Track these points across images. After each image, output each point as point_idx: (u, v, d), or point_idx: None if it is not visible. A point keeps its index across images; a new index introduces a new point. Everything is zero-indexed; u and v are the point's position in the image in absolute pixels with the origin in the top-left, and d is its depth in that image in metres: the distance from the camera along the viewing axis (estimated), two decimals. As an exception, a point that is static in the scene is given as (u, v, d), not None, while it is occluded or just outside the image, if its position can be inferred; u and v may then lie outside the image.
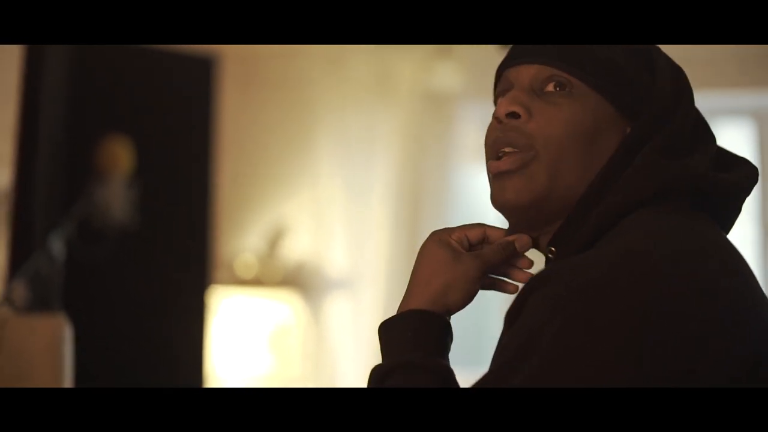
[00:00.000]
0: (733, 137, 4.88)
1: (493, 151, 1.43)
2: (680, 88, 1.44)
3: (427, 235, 1.46)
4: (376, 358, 4.82)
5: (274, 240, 5.18)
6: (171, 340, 4.14)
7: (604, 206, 1.36)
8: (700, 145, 1.42)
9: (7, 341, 2.62)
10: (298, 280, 5.15)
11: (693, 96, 1.46)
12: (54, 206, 3.72)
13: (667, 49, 1.49)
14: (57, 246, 3.54)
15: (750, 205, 4.75)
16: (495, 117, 1.43)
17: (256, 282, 5.12)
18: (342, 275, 5.11)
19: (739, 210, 1.44)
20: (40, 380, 2.63)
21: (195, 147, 4.30)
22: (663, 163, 1.37)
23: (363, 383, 4.83)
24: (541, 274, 1.28)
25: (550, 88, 1.41)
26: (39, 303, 3.40)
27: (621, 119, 1.42)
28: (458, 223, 1.50)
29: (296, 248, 5.19)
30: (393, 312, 4.31)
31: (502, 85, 1.48)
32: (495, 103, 1.51)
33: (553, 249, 1.42)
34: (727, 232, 1.44)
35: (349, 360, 5.04)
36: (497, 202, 1.42)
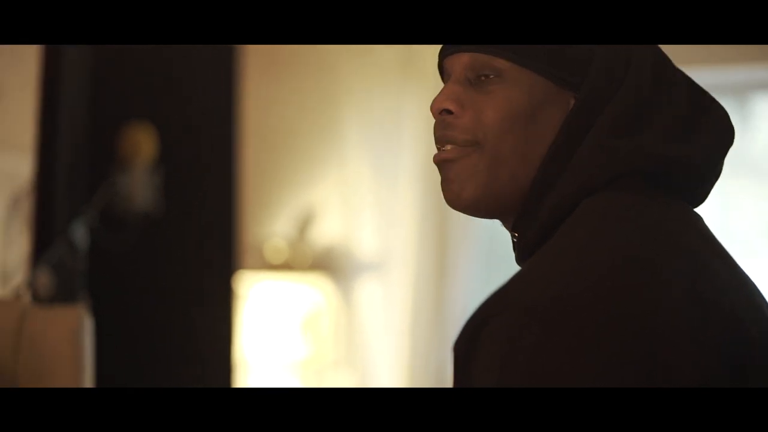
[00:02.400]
0: None
1: (437, 146, 1.43)
2: (627, 53, 1.39)
3: (455, 215, 1.44)
4: (407, 340, 4.79)
5: (303, 224, 5.17)
6: (198, 328, 4.13)
7: (557, 194, 1.33)
8: (651, 120, 1.36)
9: (27, 333, 2.61)
10: (328, 263, 5.14)
11: (649, 59, 1.39)
12: (76, 194, 3.72)
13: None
14: (80, 234, 3.54)
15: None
16: (432, 113, 1.42)
17: (286, 267, 5.12)
18: (371, 258, 5.10)
19: (714, 174, 1.39)
20: (61, 372, 2.62)
21: (219, 133, 4.29)
22: (612, 145, 1.33)
23: (395, 366, 4.81)
24: (492, 300, 1.24)
25: (483, 76, 1.38)
26: (62, 291, 3.41)
27: (563, 92, 1.37)
28: None
29: (325, 232, 5.18)
30: (424, 294, 4.31)
31: (443, 76, 1.46)
32: None
33: (515, 235, 1.40)
34: (700, 201, 1.40)
35: (382, 342, 5.03)
36: (447, 200, 1.41)
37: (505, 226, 1.43)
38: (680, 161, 1.34)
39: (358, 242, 5.13)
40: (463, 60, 1.40)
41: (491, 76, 1.37)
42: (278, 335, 4.94)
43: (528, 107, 1.35)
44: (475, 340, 1.21)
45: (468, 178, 1.37)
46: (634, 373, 1.14)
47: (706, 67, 4.52)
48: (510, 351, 1.16)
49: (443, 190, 1.41)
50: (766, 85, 4.81)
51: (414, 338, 4.97)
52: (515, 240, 1.41)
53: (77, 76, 3.77)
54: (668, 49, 1.44)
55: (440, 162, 1.41)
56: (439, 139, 1.41)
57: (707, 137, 1.37)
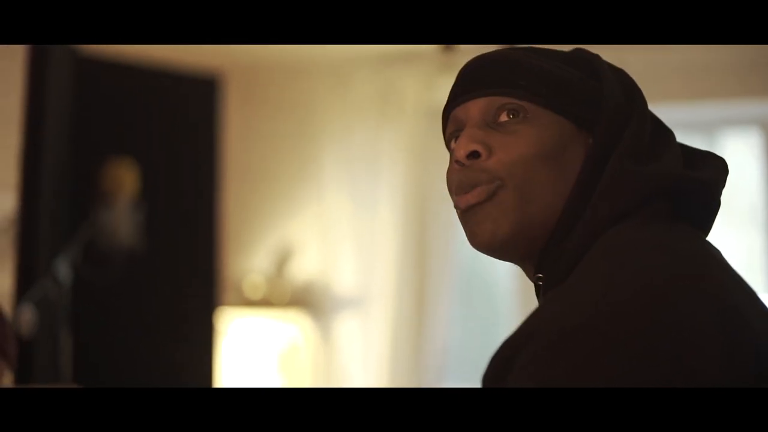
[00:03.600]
0: (738, 147, 4.86)
1: (458, 192, 1.40)
2: (628, 88, 1.41)
3: (435, 251, 1.43)
4: (386, 375, 4.80)
5: (282, 260, 5.17)
6: (179, 363, 4.13)
7: (584, 224, 1.33)
8: (664, 146, 1.38)
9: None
10: (307, 299, 5.14)
11: (643, 96, 1.42)
12: (59, 230, 3.71)
13: (663, 58, 1.47)
14: (63, 270, 3.53)
15: (756, 212, 4.73)
16: (455, 160, 1.40)
17: (265, 302, 5.11)
18: (350, 294, 5.10)
19: (718, 206, 1.40)
20: None
21: (200, 168, 4.29)
22: (636, 169, 1.33)
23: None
24: (521, 331, 1.22)
25: (504, 117, 1.38)
26: (45, 327, 3.40)
27: (580, 132, 1.38)
28: (465, 240, 1.44)
29: (304, 268, 5.18)
30: (403, 329, 4.31)
31: (452, 126, 1.45)
32: (447, 145, 1.48)
33: (540, 276, 1.38)
34: (709, 231, 1.42)
35: (360, 378, 5.02)
36: (476, 239, 1.38)
37: (526, 271, 1.42)
38: (704, 182, 1.36)
39: (337, 278, 5.13)
40: (479, 105, 1.40)
41: (513, 117, 1.37)
42: (256, 370, 4.93)
43: (553, 145, 1.36)
44: (504, 371, 1.19)
45: (501, 217, 1.35)
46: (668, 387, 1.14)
47: (676, 103, 4.57)
48: (546, 375, 1.15)
49: (474, 233, 1.38)
50: (734, 120, 4.86)
51: (393, 374, 4.96)
52: (540, 281, 1.39)
53: (60, 111, 3.77)
54: (643, 84, 1.46)
55: (468, 207, 1.38)
56: (462, 184, 1.38)
57: (715, 164, 1.39)
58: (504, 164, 1.35)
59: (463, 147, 1.38)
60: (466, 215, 1.39)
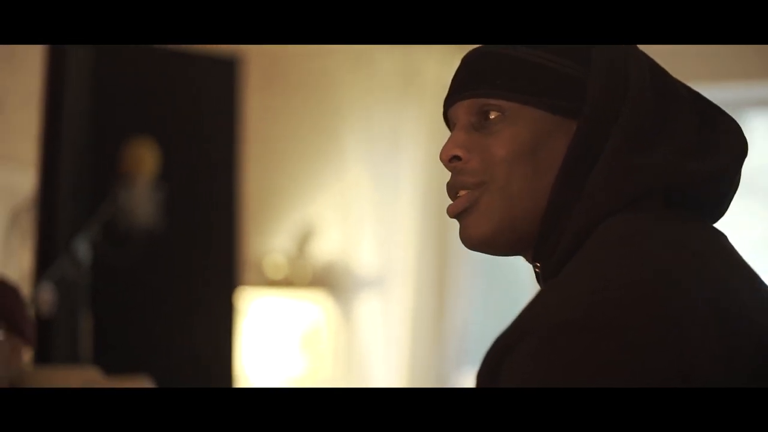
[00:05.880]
0: (764, 128, 4.82)
1: (451, 196, 1.42)
2: (623, 70, 1.37)
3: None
4: (406, 355, 4.78)
5: (303, 240, 5.16)
6: (199, 343, 4.13)
7: (578, 218, 1.33)
8: (663, 134, 1.35)
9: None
10: (328, 279, 5.13)
11: (647, 75, 1.38)
12: (79, 209, 3.71)
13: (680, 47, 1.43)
14: (83, 249, 3.53)
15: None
16: (442, 163, 1.42)
17: (286, 283, 5.10)
18: (371, 274, 5.09)
19: (732, 187, 1.38)
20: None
21: (220, 148, 4.28)
22: (628, 164, 1.32)
23: (394, 382, 4.80)
24: (515, 326, 1.21)
25: (486, 118, 1.38)
26: (64, 307, 3.39)
27: (566, 121, 1.36)
28: None
29: (325, 248, 5.17)
30: (424, 309, 4.27)
31: (450, 126, 1.46)
32: None
33: (538, 265, 1.40)
34: (719, 216, 1.40)
35: (381, 358, 5.01)
36: (465, 242, 1.40)
37: (527, 260, 1.43)
38: (699, 176, 1.33)
39: (358, 258, 5.12)
40: (464, 107, 1.40)
41: (492, 117, 1.38)
42: (277, 351, 4.93)
43: (532, 140, 1.36)
44: (499, 367, 1.19)
45: (484, 222, 1.37)
46: (665, 382, 1.13)
47: (702, 84, 4.53)
48: (541, 371, 1.14)
49: (463, 238, 1.41)
50: (763, 101, 4.82)
51: (414, 354, 4.95)
52: (538, 271, 1.40)
53: (80, 90, 3.76)
54: (670, 66, 1.43)
55: (456, 214, 1.40)
56: (452, 187, 1.41)
57: (722, 150, 1.36)
58: (484, 166, 1.37)
59: (445, 152, 1.40)
60: (458, 220, 1.41)
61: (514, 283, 4.99)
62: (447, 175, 1.42)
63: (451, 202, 1.42)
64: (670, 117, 1.36)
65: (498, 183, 1.36)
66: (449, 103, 1.44)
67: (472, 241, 1.39)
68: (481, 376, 1.21)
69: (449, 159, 1.39)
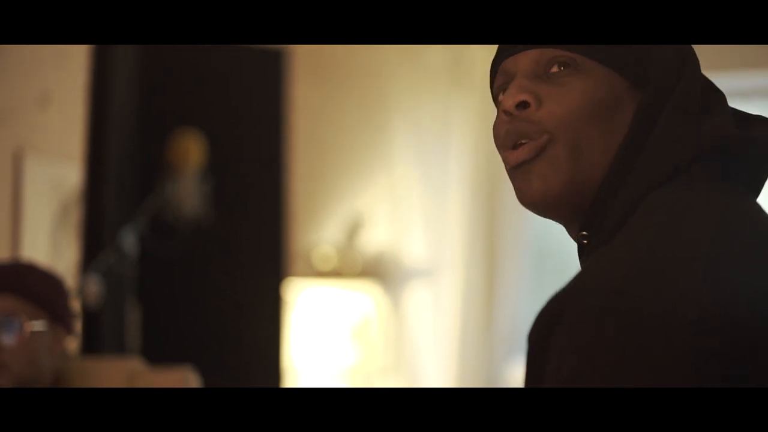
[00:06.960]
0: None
1: (507, 144, 1.34)
2: (681, 48, 1.36)
3: (505, 221, 1.39)
4: (456, 346, 4.76)
5: (352, 231, 5.16)
6: (247, 334, 4.14)
7: (632, 183, 1.28)
8: (716, 105, 1.34)
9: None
10: (378, 270, 5.13)
11: (696, 58, 1.37)
12: (126, 202, 3.73)
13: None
14: (129, 241, 3.55)
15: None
16: (503, 110, 1.34)
17: (335, 274, 5.11)
18: (421, 264, 5.08)
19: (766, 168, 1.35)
20: None
21: (267, 140, 4.29)
22: (686, 127, 1.29)
23: (444, 372, 4.78)
24: (564, 292, 1.19)
25: (555, 69, 1.33)
26: (111, 299, 3.42)
27: (633, 89, 1.33)
28: None
29: (374, 239, 5.17)
30: (473, 300, 4.23)
31: (501, 79, 1.40)
32: (494, 99, 1.42)
33: (585, 234, 1.34)
34: (759, 191, 1.36)
35: (431, 349, 5.01)
36: (526, 197, 1.34)
37: (569, 229, 1.38)
38: (757, 141, 1.31)
39: (407, 249, 5.12)
40: (531, 55, 1.35)
41: (563, 69, 1.33)
42: (327, 342, 4.93)
43: (605, 99, 1.31)
44: (550, 330, 1.16)
45: (551, 175, 1.31)
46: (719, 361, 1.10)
47: (732, 72, 4.52)
48: (590, 339, 1.12)
49: (523, 191, 1.34)
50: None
51: (463, 344, 4.94)
52: (585, 242, 1.35)
53: (126, 83, 3.78)
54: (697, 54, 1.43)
55: (517, 164, 1.33)
56: (509, 135, 1.33)
57: (764, 129, 1.34)
58: (554, 116, 1.31)
59: (512, 96, 1.33)
60: (515, 172, 1.35)
61: (563, 274, 4.94)
62: (497, 164, 1.37)
63: (501, 154, 1.36)
64: (718, 98, 1.35)
65: (567, 136, 1.30)
66: (508, 53, 1.39)
67: (534, 194, 1.33)
68: (532, 336, 1.19)
69: (516, 105, 1.32)
